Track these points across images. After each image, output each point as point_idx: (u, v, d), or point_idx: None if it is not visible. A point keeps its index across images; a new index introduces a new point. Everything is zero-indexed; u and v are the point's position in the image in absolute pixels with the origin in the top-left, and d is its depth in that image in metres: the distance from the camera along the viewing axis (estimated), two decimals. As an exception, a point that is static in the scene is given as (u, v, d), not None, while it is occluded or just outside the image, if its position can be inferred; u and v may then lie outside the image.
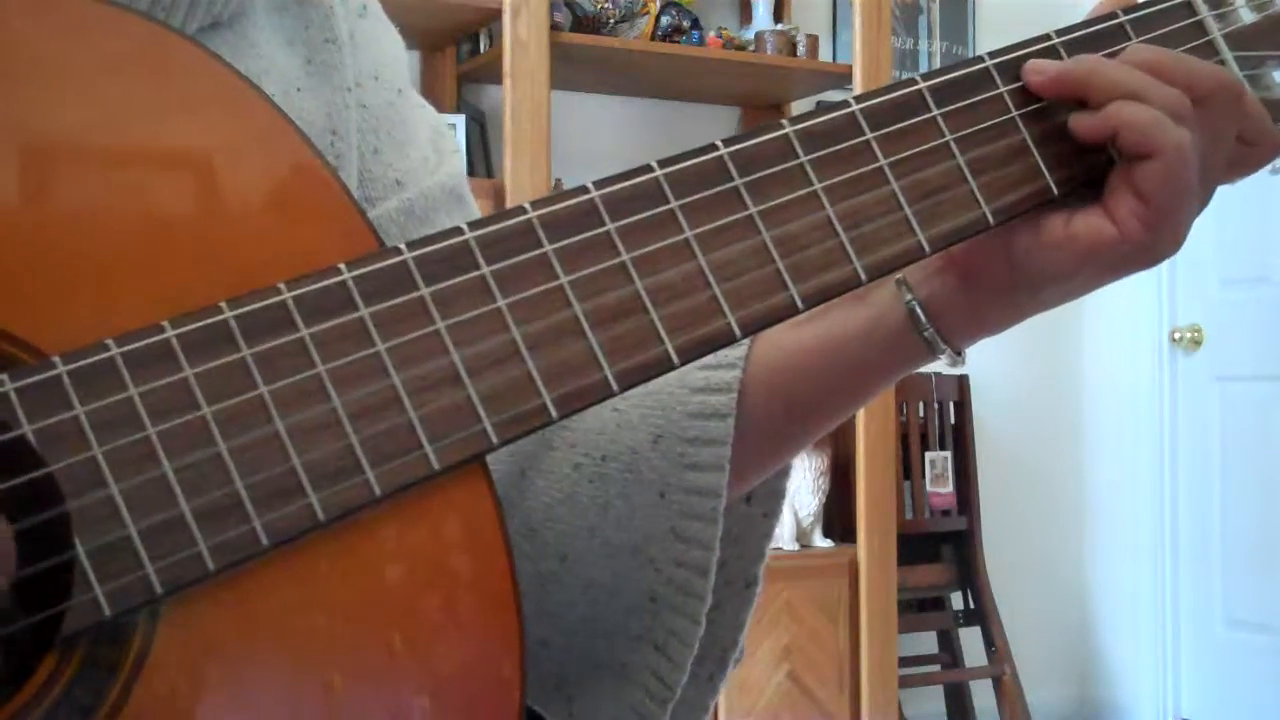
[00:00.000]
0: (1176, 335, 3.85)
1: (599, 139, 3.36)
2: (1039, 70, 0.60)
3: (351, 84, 0.70)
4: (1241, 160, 0.62)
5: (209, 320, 0.47)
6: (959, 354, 0.63)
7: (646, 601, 0.66)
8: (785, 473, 0.71)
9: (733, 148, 0.56)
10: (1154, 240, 0.59)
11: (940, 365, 0.64)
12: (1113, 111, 0.58)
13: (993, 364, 3.70)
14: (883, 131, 0.58)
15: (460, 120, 2.98)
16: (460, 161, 0.76)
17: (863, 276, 0.57)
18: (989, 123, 0.60)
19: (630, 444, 0.67)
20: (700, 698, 0.70)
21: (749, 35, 3.33)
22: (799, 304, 0.55)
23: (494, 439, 0.50)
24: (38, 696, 0.45)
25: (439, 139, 0.75)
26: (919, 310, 0.62)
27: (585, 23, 3.04)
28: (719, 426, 0.65)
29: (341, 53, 0.70)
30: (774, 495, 0.71)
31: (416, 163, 0.72)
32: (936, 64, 3.89)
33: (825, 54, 3.54)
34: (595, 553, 0.67)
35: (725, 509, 0.66)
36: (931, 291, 0.63)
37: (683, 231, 0.54)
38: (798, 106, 3.57)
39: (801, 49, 3.28)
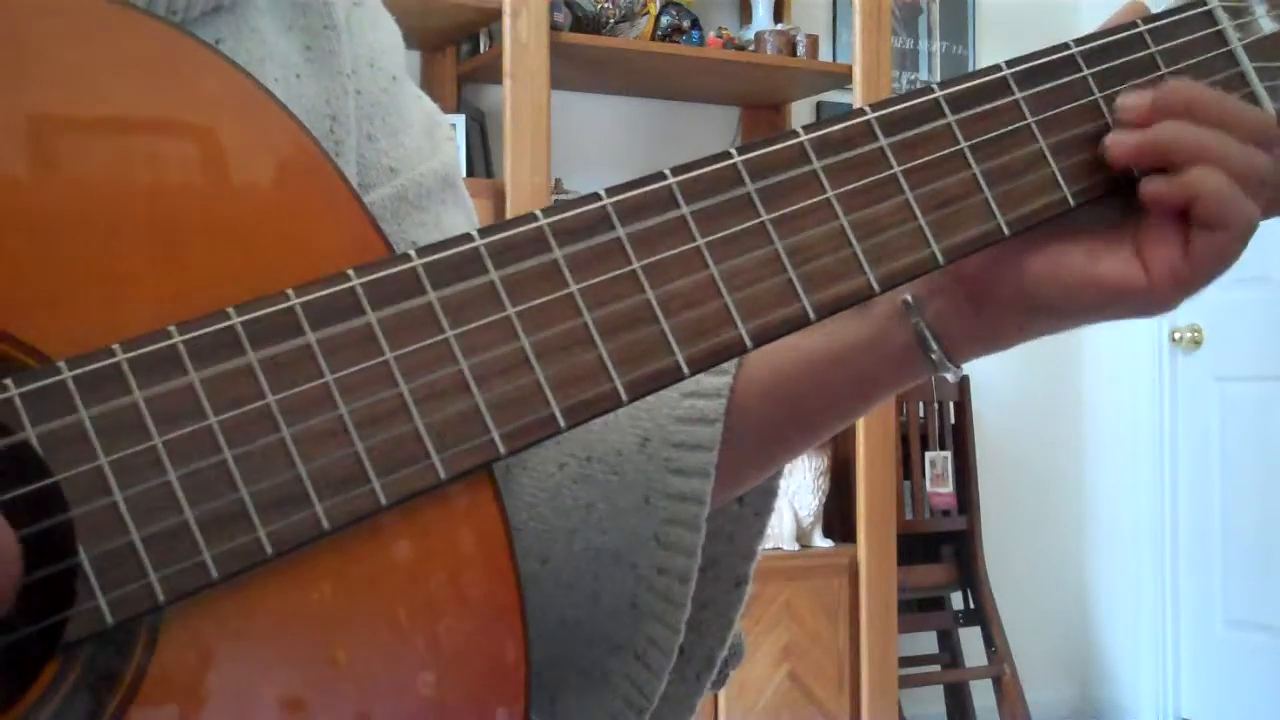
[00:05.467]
0: (1176, 335, 3.86)
1: (599, 139, 3.36)
2: (1119, 143, 0.58)
3: (349, 70, 0.70)
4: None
5: (216, 325, 0.47)
6: (959, 368, 0.63)
7: (627, 608, 0.66)
8: (778, 472, 0.70)
9: (746, 155, 0.55)
10: (1181, 295, 0.57)
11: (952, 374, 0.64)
12: (1193, 180, 0.56)
13: (993, 364, 3.70)
14: (897, 139, 0.57)
15: (460, 120, 2.97)
16: (455, 150, 0.75)
17: (876, 288, 0.56)
18: (1005, 132, 0.59)
19: (616, 445, 0.67)
20: (686, 696, 0.70)
21: (749, 35, 3.33)
22: (811, 315, 0.55)
23: (501, 449, 0.50)
24: (40, 703, 0.44)
25: (434, 127, 0.74)
26: (927, 333, 0.61)
27: (585, 23, 3.04)
28: (706, 432, 0.64)
29: (339, 39, 0.69)
30: (766, 494, 0.70)
31: (411, 150, 0.72)
32: (937, 64, 3.89)
33: (825, 54, 3.54)
34: (577, 555, 0.67)
35: (717, 508, 0.65)
36: (938, 309, 0.62)
37: (695, 240, 0.54)
38: (798, 106, 3.57)
39: (801, 49, 3.28)
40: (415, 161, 0.71)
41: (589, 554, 0.66)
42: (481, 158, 3.13)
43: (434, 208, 0.71)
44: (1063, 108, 0.60)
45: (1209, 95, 0.59)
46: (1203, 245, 0.56)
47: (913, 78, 3.85)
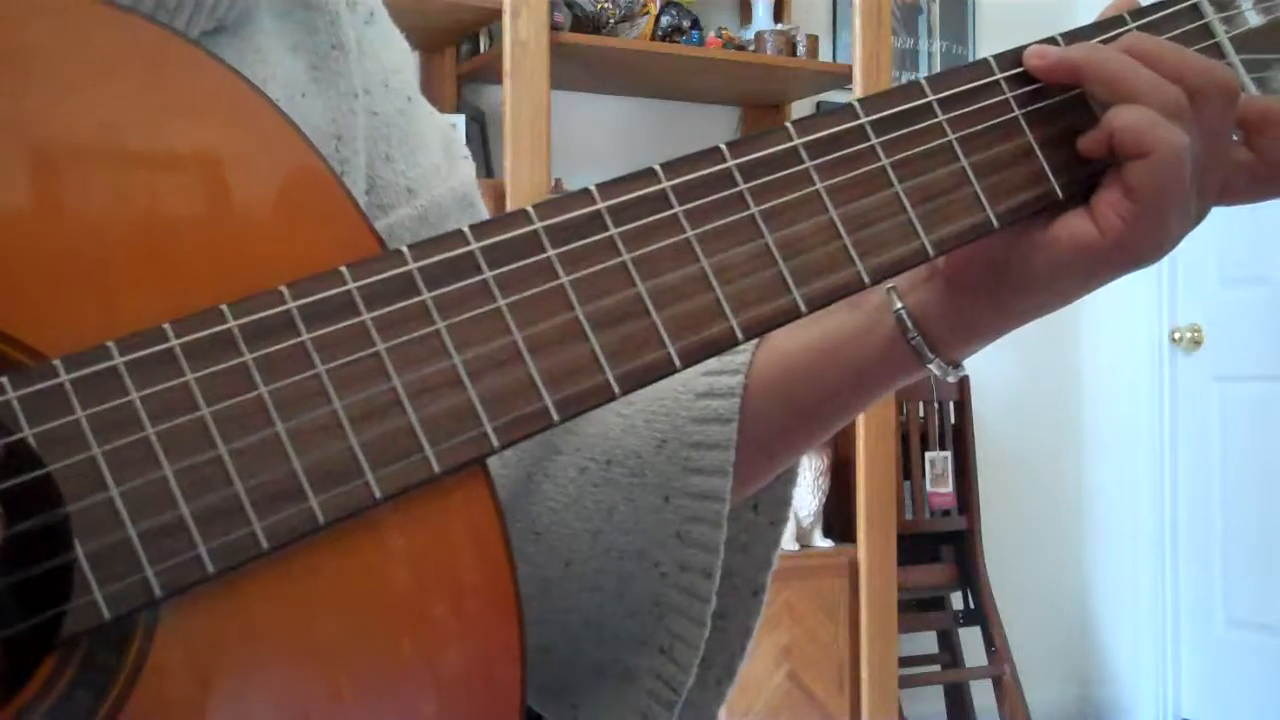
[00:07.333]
0: (1176, 335, 3.86)
1: (599, 139, 3.37)
2: (1040, 54, 0.60)
3: (359, 91, 0.70)
4: (1267, 179, 0.61)
5: (211, 324, 0.47)
6: (952, 364, 0.63)
7: (651, 605, 0.66)
8: (791, 479, 0.71)
9: (736, 150, 0.56)
10: (1133, 237, 0.57)
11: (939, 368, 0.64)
12: (1108, 118, 0.58)
13: (993, 364, 3.71)
14: (887, 134, 0.58)
15: (460, 120, 2.98)
16: (471, 167, 0.75)
17: (866, 279, 0.56)
18: (994, 125, 0.60)
19: (635, 448, 0.67)
20: (708, 704, 0.71)
21: (749, 35, 3.33)
22: (802, 307, 0.55)
23: (495, 442, 0.50)
24: (38, 698, 0.44)
25: (450, 145, 0.75)
26: (905, 317, 0.62)
27: (585, 23, 3.04)
28: (722, 431, 0.65)
29: (348, 60, 0.69)
30: (781, 503, 0.71)
31: (428, 170, 0.72)
32: (937, 64, 3.89)
33: (825, 54, 3.55)
34: (600, 557, 0.67)
35: (732, 515, 0.66)
36: (920, 299, 0.62)
37: (685, 233, 0.54)
38: (798, 106, 3.58)
39: (801, 49, 3.28)
40: (433, 182, 0.72)
41: (612, 554, 0.67)
42: (481, 158, 3.14)
43: (452, 227, 0.71)
44: (1050, 101, 0.60)
45: (1146, 38, 0.60)
46: (1133, 173, 0.57)
47: (912, 78, 3.85)
